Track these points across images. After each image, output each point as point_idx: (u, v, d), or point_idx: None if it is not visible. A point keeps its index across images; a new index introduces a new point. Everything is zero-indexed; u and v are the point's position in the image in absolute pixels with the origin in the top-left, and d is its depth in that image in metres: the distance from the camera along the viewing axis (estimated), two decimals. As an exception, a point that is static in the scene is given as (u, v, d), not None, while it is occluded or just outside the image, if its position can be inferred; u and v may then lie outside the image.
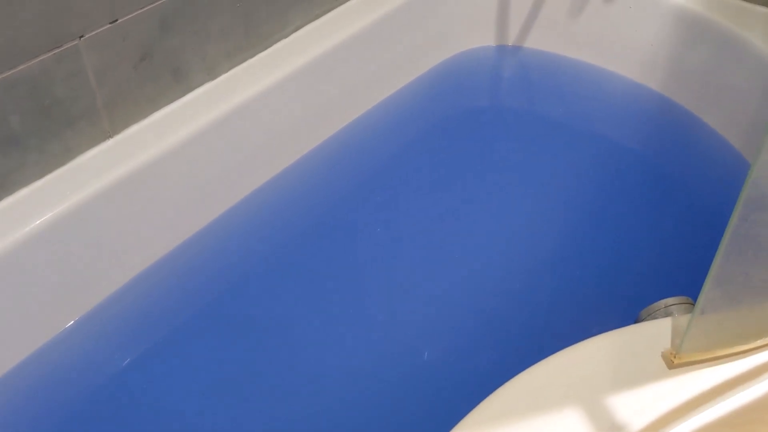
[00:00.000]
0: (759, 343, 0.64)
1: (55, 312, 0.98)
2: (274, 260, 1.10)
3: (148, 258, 1.07)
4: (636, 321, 0.81)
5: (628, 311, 0.92)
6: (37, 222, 0.90)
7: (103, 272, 1.02)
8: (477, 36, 1.51)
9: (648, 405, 0.61)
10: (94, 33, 0.90)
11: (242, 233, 1.13)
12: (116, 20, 0.92)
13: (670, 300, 0.77)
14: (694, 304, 0.78)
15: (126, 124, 1.00)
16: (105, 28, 0.91)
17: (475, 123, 1.37)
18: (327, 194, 1.21)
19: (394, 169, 1.25)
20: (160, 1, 0.96)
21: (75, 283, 0.99)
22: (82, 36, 0.89)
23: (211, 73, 1.09)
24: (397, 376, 0.96)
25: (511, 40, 1.51)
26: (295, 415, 0.92)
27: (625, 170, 1.25)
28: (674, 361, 0.63)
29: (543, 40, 1.49)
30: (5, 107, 0.85)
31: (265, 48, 1.16)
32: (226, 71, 1.11)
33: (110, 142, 0.99)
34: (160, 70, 1.01)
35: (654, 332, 0.67)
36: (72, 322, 1.00)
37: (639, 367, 0.63)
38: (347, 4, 1.28)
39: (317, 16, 1.24)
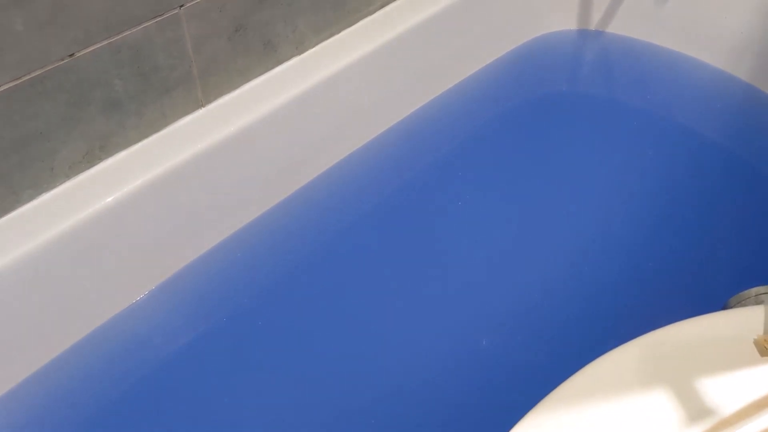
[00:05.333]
0: None
1: (137, 276, 1.02)
2: (351, 234, 1.12)
3: (227, 228, 1.10)
4: (723, 309, 0.80)
5: (712, 301, 0.91)
6: (133, 185, 0.94)
7: (186, 239, 1.05)
8: (558, 19, 1.49)
9: (739, 391, 0.60)
10: (194, 2, 0.93)
11: (324, 204, 1.15)
12: (215, -9, 0.95)
13: (761, 288, 0.76)
14: (785, 295, 0.77)
15: (218, 94, 1.03)
16: (204, -2, 0.94)
17: (553, 109, 1.36)
18: (403, 171, 1.22)
19: (470, 151, 1.26)
20: (256, -26, 0.98)
21: (159, 248, 1.02)
22: (182, 5, 0.92)
23: (300, 47, 1.11)
24: (480, 359, 0.97)
25: (593, 24, 1.49)
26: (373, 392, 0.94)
27: (710, 162, 1.22)
28: (768, 348, 0.62)
29: (627, 25, 1.46)
30: (110, 71, 0.89)
31: (351, 24, 1.18)
32: (314, 46, 1.13)
33: (202, 111, 1.02)
34: (253, 42, 1.03)
35: (745, 319, 0.66)
36: (151, 288, 1.03)
37: (730, 353, 0.63)
38: (431, -17, 1.29)
39: (402, -6, 1.25)
